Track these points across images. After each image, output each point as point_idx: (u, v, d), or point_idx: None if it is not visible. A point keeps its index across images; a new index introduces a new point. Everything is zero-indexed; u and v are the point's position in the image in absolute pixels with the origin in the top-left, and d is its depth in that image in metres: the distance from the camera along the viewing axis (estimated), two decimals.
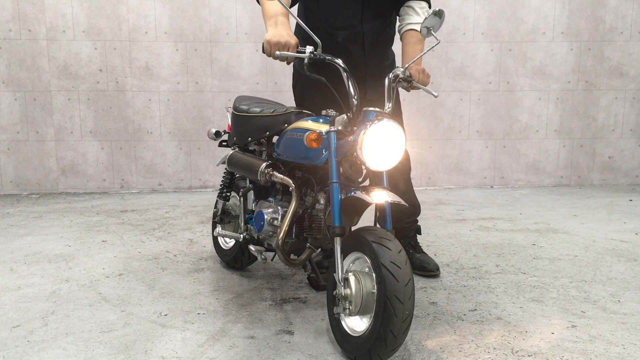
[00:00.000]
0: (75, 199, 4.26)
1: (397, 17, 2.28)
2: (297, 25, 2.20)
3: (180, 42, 4.44)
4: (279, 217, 2.00)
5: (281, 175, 1.97)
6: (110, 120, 4.48)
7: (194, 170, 4.61)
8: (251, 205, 2.30)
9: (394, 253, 1.53)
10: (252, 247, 2.08)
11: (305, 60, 1.75)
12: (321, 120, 1.84)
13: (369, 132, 1.58)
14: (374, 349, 1.53)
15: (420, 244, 2.58)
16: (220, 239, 2.62)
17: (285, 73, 4.49)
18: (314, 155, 1.80)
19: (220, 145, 2.55)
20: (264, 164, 2.04)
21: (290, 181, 1.92)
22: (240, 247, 2.40)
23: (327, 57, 1.76)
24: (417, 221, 2.54)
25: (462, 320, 1.96)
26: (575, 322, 1.94)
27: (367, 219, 3.00)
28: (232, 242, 2.54)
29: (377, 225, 1.80)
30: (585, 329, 1.88)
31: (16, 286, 2.32)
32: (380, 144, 1.59)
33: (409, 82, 1.92)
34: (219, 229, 2.45)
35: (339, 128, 1.72)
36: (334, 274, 1.63)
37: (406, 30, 2.20)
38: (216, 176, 4.64)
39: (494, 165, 4.76)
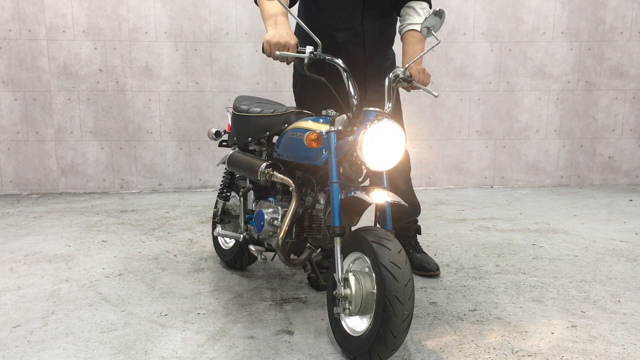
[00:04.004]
0: (75, 199, 4.26)
1: (398, 18, 2.29)
2: (297, 25, 2.20)
3: (180, 42, 4.44)
4: (279, 217, 2.00)
5: (281, 175, 1.97)
6: (110, 120, 4.48)
7: (194, 170, 4.61)
8: (251, 205, 2.30)
9: (393, 253, 1.53)
10: (252, 247, 2.08)
11: (305, 60, 1.75)
12: (321, 120, 1.84)
13: (369, 132, 1.58)
14: (373, 349, 1.53)
15: (420, 244, 2.58)
16: (220, 239, 2.62)
17: (285, 73, 4.49)
18: (314, 155, 1.80)
19: (220, 145, 2.55)
20: (264, 164, 2.04)
21: (290, 181, 1.92)
22: (240, 247, 2.40)
23: (327, 57, 1.76)
24: (417, 221, 2.54)
25: (462, 320, 1.96)
26: (575, 322, 1.94)
27: (367, 219, 3.00)
28: (232, 242, 2.54)
29: (377, 225, 1.80)
30: (585, 329, 1.88)
31: (16, 286, 2.32)
32: (380, 144, 1.59)
33: (409, 82, 1.92)
34: (219, 229, 2.45)
35: (339, 128, 1.72)
36: (334, 274, 1.63)
37: (407, 31, 2.21)
38: (216, 176, 4.64)
39: (494, 165, 4.76)
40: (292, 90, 2.45)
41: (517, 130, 4.73)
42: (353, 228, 1.89)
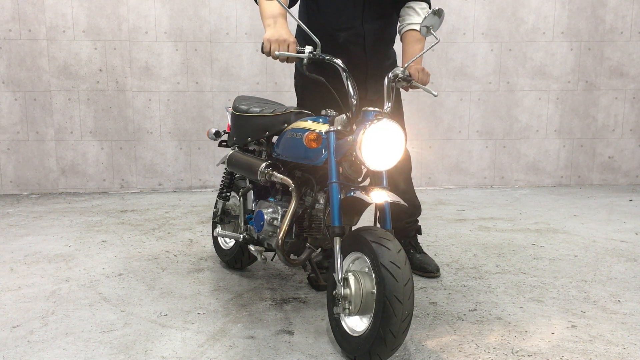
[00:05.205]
0: (75, 199, 4.26)
1: (398, 18, 2.29)
2: (298, 25, 2.20)
3: (180, 42, 4.44)
4: (279, 217, 2.00)
5: (281, 175, 1.97)
6: (110, 120, 4.48)
7: (194, 170, 4.61)
8: (251, 205, 2.30)
9: (393, 253, 1.53)
10: (252, 247, 2.08)
11: (305, 60, 1.75)
12: (321, 120, 1.84)
13: (368, 132, 1.58)
14: (373, 349, 1.53)
15: (420, 244, 2.58)
16: (220, 239, 2.62)
17: (285, 73, 4.49)
18: (314, 155, 1.80)
19: (220, 145, 2.55)
20: (264, 164, 2.04)
21: (290, 181, 1.92)
22: (240, 247, 2.40)
23: (327, 57, 1.76)
24: (417, 221, 2.54)
25: (462, 320, 1.95)
26: (575, 322, 1.94)
27: (367, 219, 3.00)
28: (232, 242, 2.54)
29: (377, 225, 1.80)
30: (585, 329, 1.88)
31: (16, 286, 2.32)
32: (379, 144, 1.59)
33: (408, 82, 1.92)
34: (219, 229, 2.45)
35: (339, 128, 1.72)
36: (334, 274, 1.63)
37: (406, 31, 2.21)
38: (216, 176, 4.64)
39: (494, 165, 4.76)
40: (292, 90, 2.45)
41: (517, 130, 4.73)
42: (353, 228, 1.89)
